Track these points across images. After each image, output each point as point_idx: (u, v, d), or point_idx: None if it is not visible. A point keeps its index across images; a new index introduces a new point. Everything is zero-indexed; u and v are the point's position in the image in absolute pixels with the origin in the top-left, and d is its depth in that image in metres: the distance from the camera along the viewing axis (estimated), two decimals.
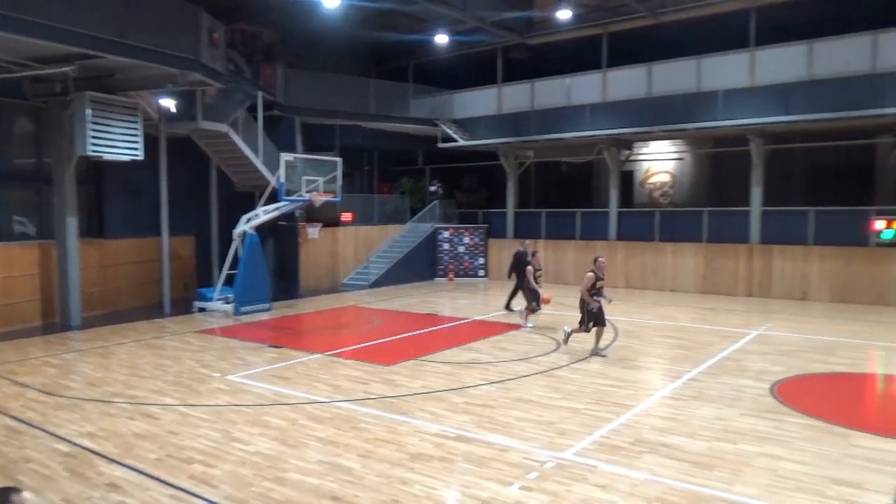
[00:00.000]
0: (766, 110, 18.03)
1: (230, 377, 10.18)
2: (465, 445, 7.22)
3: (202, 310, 16.61)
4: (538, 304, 14.28)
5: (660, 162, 25.49)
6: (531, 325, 14.34)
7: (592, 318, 11.40)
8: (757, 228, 19.35)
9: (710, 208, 20.93)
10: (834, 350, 11.97)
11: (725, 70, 18.93)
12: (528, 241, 17.64)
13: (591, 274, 11.36)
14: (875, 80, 16.52)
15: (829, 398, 9.27)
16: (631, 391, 9.37)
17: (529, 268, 14.36)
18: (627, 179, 25.35)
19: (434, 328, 14.70)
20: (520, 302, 15.45)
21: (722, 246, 19.81)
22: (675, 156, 25.13)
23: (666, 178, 25.45)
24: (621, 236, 21.74)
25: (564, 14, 20.06)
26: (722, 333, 13.52)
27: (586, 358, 11.35)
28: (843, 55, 17.10)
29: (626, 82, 20.69)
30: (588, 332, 11.56)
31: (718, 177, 24.30)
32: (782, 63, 18.03)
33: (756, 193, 19.39)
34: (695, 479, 6.34)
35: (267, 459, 6.84)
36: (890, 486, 6.00)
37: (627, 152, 23.36)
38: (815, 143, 20.40)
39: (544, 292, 14.30)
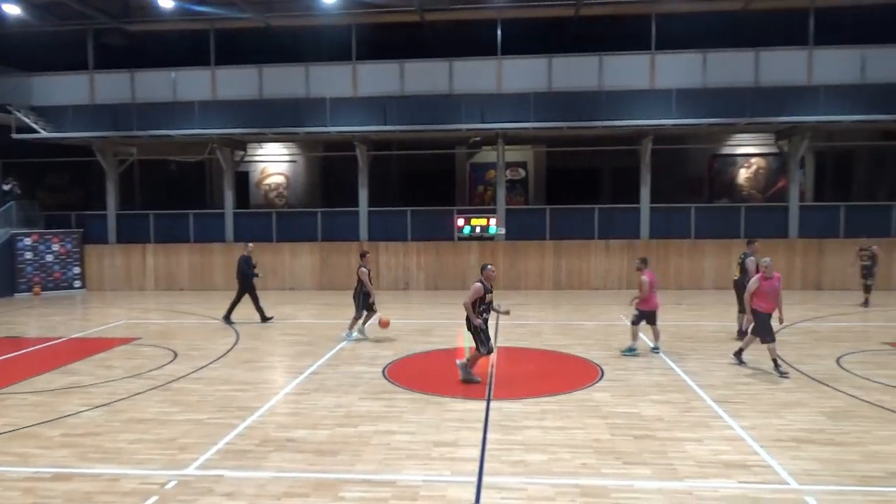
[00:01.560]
0: (368, 119, 19.76)
1: None
2: (64, 485, 6.20)
3: None
4: (370, 311, 12.93)
5: (274, 163, 25.84)
6: (355, 335, 12.91)
7: (479, 336, 9.52)
8: (365, 227, 21.10)
9: (323, 209, 22.05)
10: (431, 331, 13.75)
11: (331, 80, 20.15)
12: (251, 245, 15.71)
13: (478, 284, 9.46)
14: (452, 99, 19.53)
15: (429, 373, 10.59)
16: (255, 393, 9.27)
17: (363, 269, 12.81)
18: (243, 180, 25.07)
19: (16, 353, 12.30)
20: (249, 312, 13.95)
21: (336, 244, 21.07)
22: (288, 158, 25.76)
23: (281, 179, 25.92)
24: (239, 237, 21.39)
25: (166, 2, 18.77)
26: (340, 326, 14.32)
27: (207, 366, 10.85)
28: (427, 76, 19.78)
29: (238, 82, 20.43)
30: (491, 352, 9.81)
31: (331, 179, 25.77)
32: (379, 78, 20.00)
33: (363, 195, 21.10)
34: (320, 466, 6.58)
35: None
36: (475, 438, 7.15)
37: (241, 153, 23.08)
38: (409, 150, 23.16)
39: (383, 315, 12.87)
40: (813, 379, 9.67)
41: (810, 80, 18.79)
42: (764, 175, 25.08)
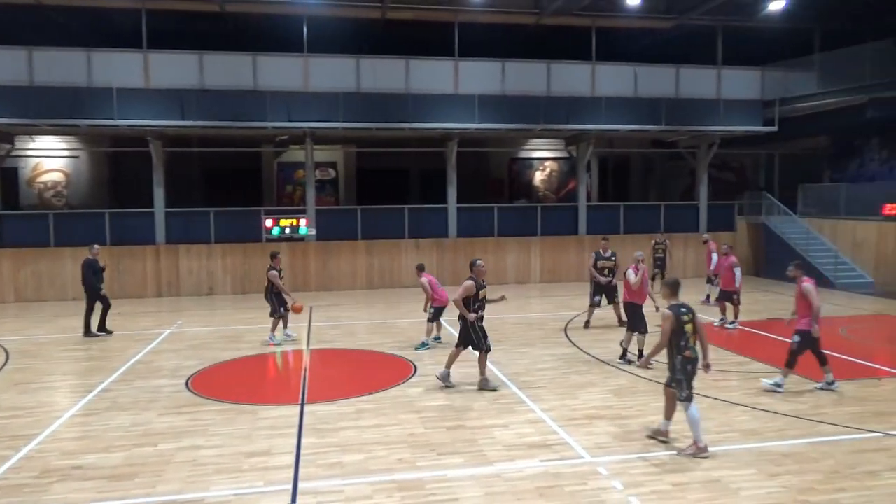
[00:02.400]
0: (163, 113, 18.28)
1: None
2: None
3: None
4: (286, 311, 12.43)
5: (51, 159, 22.96)
6: (280, 338, 12.44)
7: (475, 333, 9.14)
8: (162, 229, 19.49)
9: (112, 210, 20.00)
10: (240, 337, 13.09)
11: (119, 67, 18.32)
12: (96, 247, 13.80)
13: (469, 282, 9.05)
14: (257, 95, 18.74)
15: (238, 382, 10.08)
16: (33, 418, 8.16)
17: (273, 272, 12.31)
18: (11, 177, 21.96)
19: None
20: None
21: (129, 248, 19.21)
22: (68, 153, 23.05)
23: (59, 176, 23.11)
24: (7, 243, 18.69)
25: None
26: (134, 337, 13.13)
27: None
28: (230, 70, 18.76)
29: (2, 65, 17.81)
30: (489, 350, 9.29)
31: (122, 177, 23.49)
32: (176, 69, 18.60)
33: (159, 195, 19.48)
34: (114, 492, 5.97)
35: None
36: (289, 444, 6.94)
37: (8, 146, 20.18)
38: (212, 148, 21.84)
39: (295, 300, 12.55)
40: (602, 361, 10.71)
41: (594, 91, 20.80)
42: (556, 177, 27.35)
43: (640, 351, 10.52)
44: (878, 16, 20.28)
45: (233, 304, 18.04)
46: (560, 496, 5.84)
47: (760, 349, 11.48)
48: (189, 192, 23.25)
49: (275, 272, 12.37)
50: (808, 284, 8.86)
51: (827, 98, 20.73)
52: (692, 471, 6.33)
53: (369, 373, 10.62)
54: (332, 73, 19.41)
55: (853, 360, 10.72)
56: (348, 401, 8.68)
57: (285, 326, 12.72)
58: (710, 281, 16.70)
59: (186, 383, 9.68)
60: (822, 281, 19.70)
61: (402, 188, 25.88)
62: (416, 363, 10.74)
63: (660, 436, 7.11)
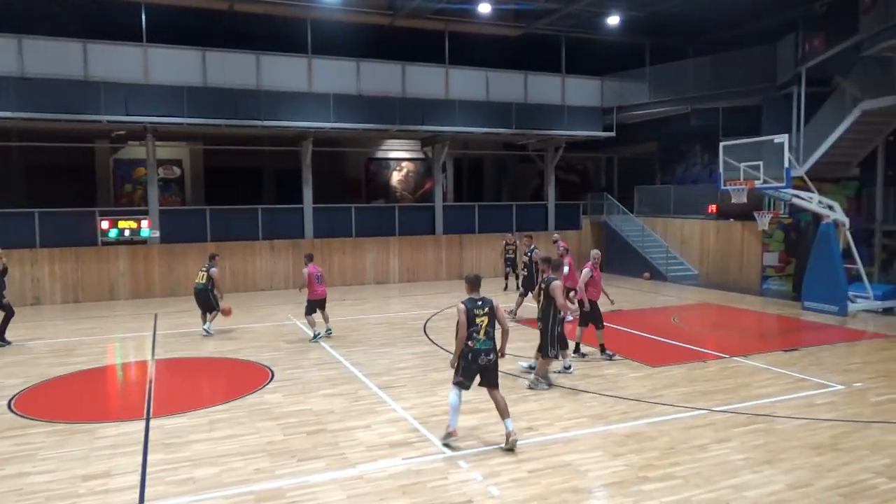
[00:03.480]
0: None
1: None
2: None
3: None
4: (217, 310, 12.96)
5: None
6: (212, 328, 13.05)
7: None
8: None
9: None
10: (73, 350, 11.94)
11: None
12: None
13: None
14: (89, 85, 17.16)
15: (72, 398, 9.18)
16: None
17: (215, 270, 12.84)
18: None
19: None
20: None
21: None
22: None
23: None
24: None
25: None
26: None
27: None
28: (56, 57, 17.02)
29: None
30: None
31: None
32: None
33: None
34: None
35: None
36: (135, 463, 6.42)
37: None
38: (36, 143, 19.68)
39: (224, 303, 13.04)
40: None
41: (448, 94, 21.25)
42: (413, 178, 27.63)
43: (601, 346, 10.70)
44: (698, 35, 22.54)
45: (63, 313, 16.42)
46: (422, 492, 5.89)
47: (607, 340, 12.27)
48: (9, 191, 20.84)
49: (215, 270, 12.99)
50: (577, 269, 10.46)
51: (657, 107, 22.73)
52: (546, 457, 6.64)
53: (222, 381, 10.11)
54: (175, 64, 18.23)
55: (682, 345, 11.80)
56: (200, 412, 8.20)
57: (211, 321, 13.12)
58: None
59: (9, 404, 8.66)
60: (657, 274, 21.59)
61: (256, 188, 24.90)
62: (272, 368, 10.37)
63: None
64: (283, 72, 19.31)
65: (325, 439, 7.21)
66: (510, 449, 6.75)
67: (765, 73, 19.64)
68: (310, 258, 12.68)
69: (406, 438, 7.22)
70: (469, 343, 6.85)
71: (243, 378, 9.97)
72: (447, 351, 11.42)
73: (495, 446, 6.91)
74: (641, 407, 8.27)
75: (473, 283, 7.15)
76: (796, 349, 11.41)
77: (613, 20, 20.72)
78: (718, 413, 8.01)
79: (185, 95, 18.00)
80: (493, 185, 29.73)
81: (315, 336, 12.30)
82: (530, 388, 9.05)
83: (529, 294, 13.47)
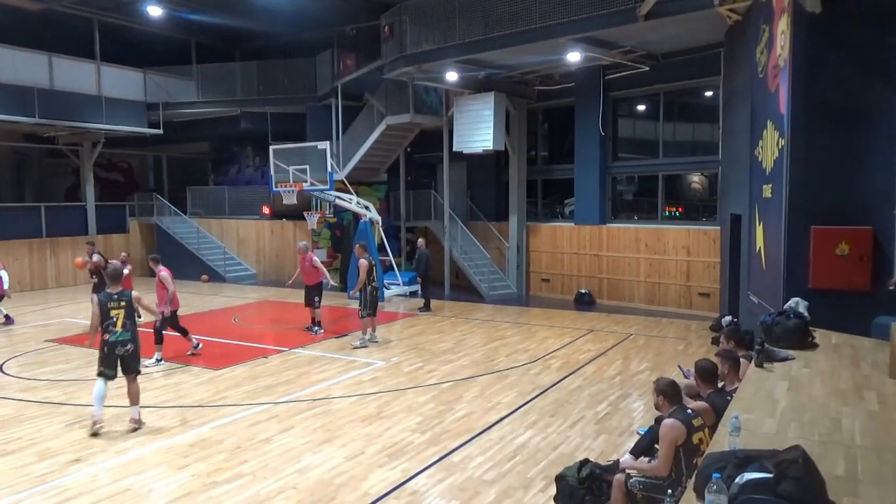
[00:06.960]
0: None
1: None
2: None
3: None
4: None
5: None
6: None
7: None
8: None
9: None
10: None
11: None
12: None
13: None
14: None
15: None
16: None
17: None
18: None
19: None
20: None
21: None
22: None
23: None
24: None
25: None
26: None
27: None
28: None
29: None
30: None
31: None
32: None
33: None
34: None
35: None
36: None
37: None
38: None
39: None
40: None
41: None
42: None
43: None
44: (243, 40, 22.94)
45: None
46: None
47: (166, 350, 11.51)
48: None
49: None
50: (165, 273, 10.37)
51: (206, 107, 22.29)
52: (99, 488, 5.88)
53: None
54: None
55: (245, 343, 11.91)
56: None
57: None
58: None
59: None
60: (216, 275, 21.30)
61: None
62: None
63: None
64: None
65: None
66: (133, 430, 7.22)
67: (307, 84, 21.15)
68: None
69: None
70: (105, 336, 7.12)
71: None
72: None
73: (35, 489, 5.80)
74: (205, 412, 8.03)
75: (113, 278, 7.25)
76: (345, 335, 12.64)
77: (155, 11, 19.41)
78: (282, 404, 8.31)
79: None
80: (11, 183, 24.97)
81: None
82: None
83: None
